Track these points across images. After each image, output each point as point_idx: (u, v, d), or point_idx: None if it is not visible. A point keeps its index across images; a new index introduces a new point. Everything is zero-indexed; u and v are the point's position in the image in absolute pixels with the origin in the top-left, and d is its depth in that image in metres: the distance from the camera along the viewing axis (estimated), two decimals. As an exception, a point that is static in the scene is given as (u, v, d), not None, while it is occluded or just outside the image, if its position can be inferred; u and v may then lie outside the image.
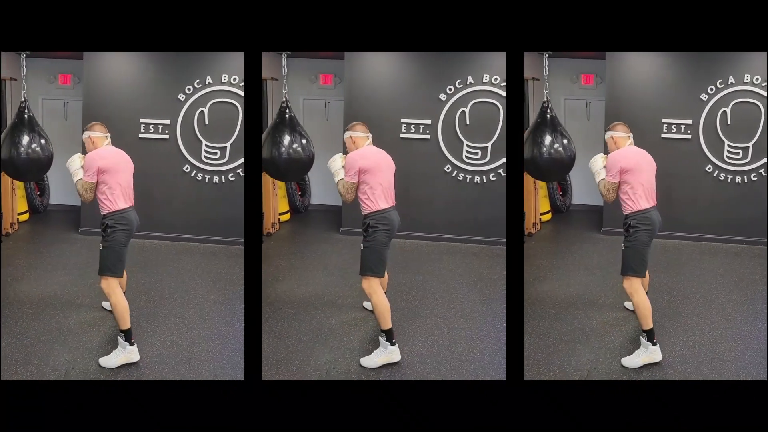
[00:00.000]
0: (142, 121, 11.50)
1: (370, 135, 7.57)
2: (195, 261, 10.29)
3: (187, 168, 11.38)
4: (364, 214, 7.35)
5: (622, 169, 7.26)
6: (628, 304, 8.46)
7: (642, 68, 11.95)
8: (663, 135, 11.86)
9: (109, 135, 7.54)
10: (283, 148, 9.46)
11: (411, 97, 11.76)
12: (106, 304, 8.18)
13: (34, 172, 9.32)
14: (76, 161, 7.41)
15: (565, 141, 9.19)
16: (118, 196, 7.30)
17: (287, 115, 9.44)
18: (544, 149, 9.06)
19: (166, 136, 11.45)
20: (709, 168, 11.71)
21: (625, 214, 7.35)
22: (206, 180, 11.33)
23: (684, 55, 11.67)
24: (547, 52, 9.65)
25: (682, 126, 11.79)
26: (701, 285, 9.44)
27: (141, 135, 11.49)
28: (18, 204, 12.00)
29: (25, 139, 9.11)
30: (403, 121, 11.75)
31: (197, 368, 7.20)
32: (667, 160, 11.57)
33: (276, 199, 12.01)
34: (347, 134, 7.56)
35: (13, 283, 9.27)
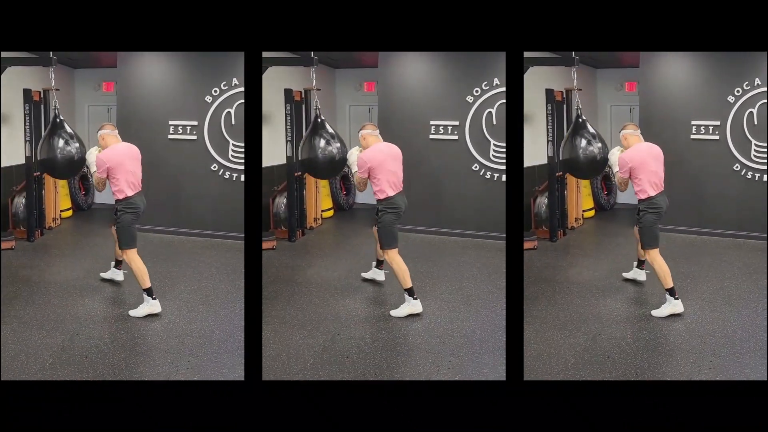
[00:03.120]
0: (171, 123, 11.84)
1: (377, 131, 8.80)
2: (216, 256, 10.57)
3: (214, 167, 11.64)
4: (377, 200, 8.65)
5: (632, 168, 8.62)
6: (627, 274, 9.63)
7: (672, 74, 12.12)
8: (692, 136, 12.01)
9: (117, 131, 8.89)
10: (319, 150, 9.98)
11: (440, 100, 11.98)
12: (104, 275, 9.47)
13: (67, 170, 9.87)
14: (93, 154, 8.82)
15: (599, 144, 9.97)
16: (125, 187, 8.53)
17: (319, 120, 10.16)
18: (580, 151, 9.93)
19: (195, 137, 11.74)
20: (737, 167, 11.76)
21: (638, 201, 8.71)
22: (234, 178, 11.55)
23: (711, 60, 11.82)
24: (575, 66, 10.31)
25: (711, 127, 11.91)
26: (715, 275, 9.81)
27: (171, 136, 11.83)
28: (61, 201, 12.56)
29: (60, 142, 9.68)
30: (432, 123, 11.99)
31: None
32: (697, 159, 11.97)
33: (319, 197, 12.45)
34: (360, 133, 8.83)
35: (45, 268, 10.03)
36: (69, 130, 9.72)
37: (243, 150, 11.39)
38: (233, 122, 11.57)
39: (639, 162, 8.57)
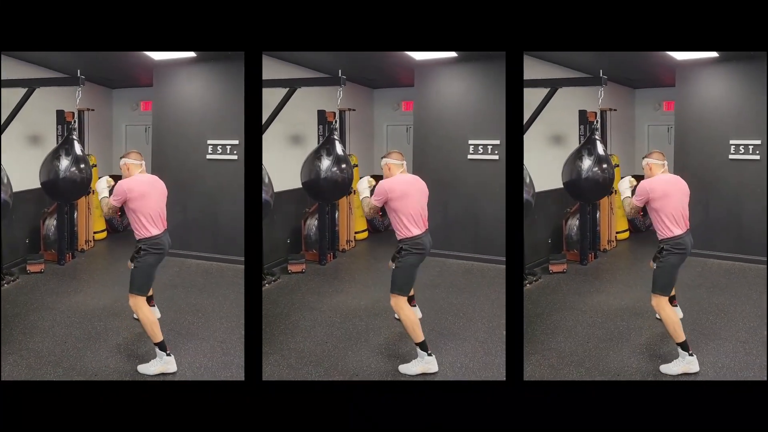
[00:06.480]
0: (209, 142, 11.53)
1: (404, 162, 7.91)
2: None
3: (257, 189, 11.30)
4: (398, 239, 7.72)
5: (651, 198, 7.66)
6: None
7: (709, 91, 11.80)
8: (731, 156, 11.64)
9: (143, 162, 7.93)
10: (322, 172, 9.81)
11: (478, 118, 11.64)
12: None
13: (69, 194, 9.86)
14: (102, 182, 8.05)
15: (604, 165, 9.56)
16: (150, 224, 7.69)
17: (333, 139, 9.99)
18: (583, 172, 9.57)
19: (235, 157, 11.31)
20: (780, 190, 11.31)
21: (659, 239, 7.70)
22: (276, 202, 11.17)
23: (751, 75, 11.37)
24: (602, 86, 9.72)
25: (751, 146, 11.49)
26: (753, 310, 9.14)
27: (209, 156, 11.54)
28: (95, 223, 12.38)
29: (64, 163, 9.54)
30: (470, 142, 11.65)
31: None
32: (735, 181, 11.57)
33: (352, 218, 12.21)
34: (384, 161, 7.91)
35: (71, 294, 9.84)
36: (78, 150, 9.59)
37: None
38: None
39: (662, 193, 7.62)
